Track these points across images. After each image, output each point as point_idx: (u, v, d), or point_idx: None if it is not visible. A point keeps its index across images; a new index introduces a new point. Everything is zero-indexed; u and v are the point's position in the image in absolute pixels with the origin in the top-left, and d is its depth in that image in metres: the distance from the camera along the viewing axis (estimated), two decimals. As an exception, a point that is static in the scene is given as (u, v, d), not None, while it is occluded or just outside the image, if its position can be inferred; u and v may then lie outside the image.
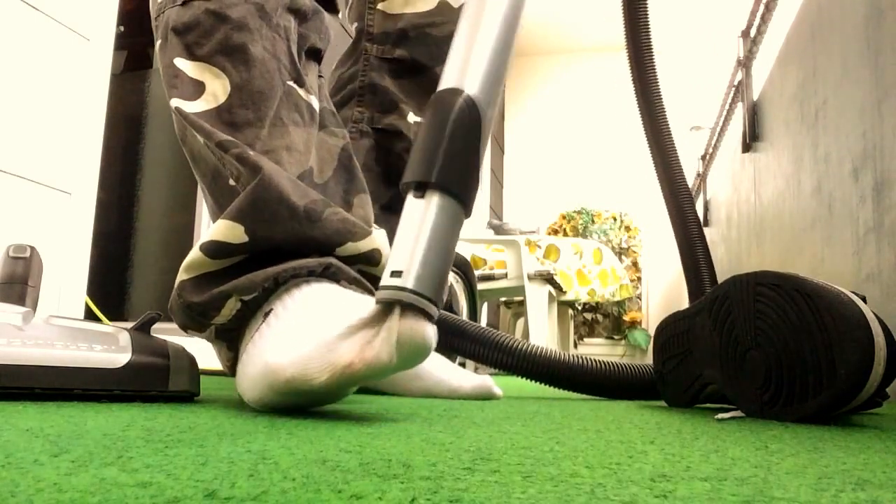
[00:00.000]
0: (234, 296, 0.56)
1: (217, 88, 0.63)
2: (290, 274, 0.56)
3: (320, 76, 0.74)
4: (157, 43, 0.67)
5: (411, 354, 0.41)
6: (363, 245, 0.61)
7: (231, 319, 0.58)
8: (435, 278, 0.40)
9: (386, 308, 0.40)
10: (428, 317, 0.40)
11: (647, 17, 0.90)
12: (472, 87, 0.42)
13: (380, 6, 0.98)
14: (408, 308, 0.39)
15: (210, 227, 0.59)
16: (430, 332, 0.41)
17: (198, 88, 0.63)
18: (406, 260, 0.39)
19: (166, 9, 0.67)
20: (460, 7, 0.98)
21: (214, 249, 0.58)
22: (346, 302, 0.55)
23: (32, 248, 0.91)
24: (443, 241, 0.40)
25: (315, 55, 0.73)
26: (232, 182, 0.61)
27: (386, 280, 0.40)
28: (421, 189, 0.41)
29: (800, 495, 0.23)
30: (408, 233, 0.40)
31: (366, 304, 0.45)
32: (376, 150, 0.97)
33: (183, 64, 0.64)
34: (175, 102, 0.63)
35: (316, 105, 0.69)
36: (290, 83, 0.66)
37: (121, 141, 2.05)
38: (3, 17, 1.20)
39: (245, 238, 0.57)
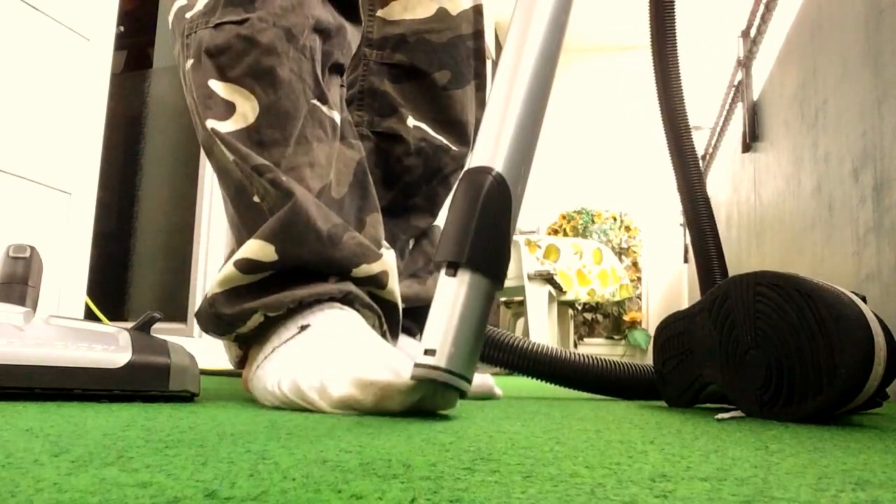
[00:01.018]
0: (260, 312, 0.63)
1: (247, 110, 0.68)
2: (313, 298, 0.63)
3: (342, 86, 0.79)
4: (189, 62, 0.71)
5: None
6: (375, 267, 0.68)
7: (253, 330, 0.64)
8: (467, 356, 0.42)
9: (418, 388, 0.45)
10: (460, 393, 0.43)
11: (673, 15, 0.91)
12: (500, 164, 0.44)
13: (379, 13, 0.99)
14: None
15: (243, 246, 0.65)
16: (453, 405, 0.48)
17: (229, 108, 0.68)
18: (439, 339, 0.42)
19: (198, 29, 0.70)
20: (458, 15, 0.99)
21: (247, 266, 0.64)
22: (370, 335, 0.63)
23: (32, 248, 0.91)
24: (474, 319, 0.42)
25: (338, 69, 0.77)
26: (256, 199, 0.67)
27: (421, 358, 0.42)
28: (453, 268, 0.43)
29: (800, 495, 0.23)
30: (441, 311, 0.42)
31: (381, 343, 0.59)
32: (376, 154, 0.97)
33: (216, 85, 0.68)
34: (210, 123, 0.68)
35: (338, 119, 0.73)
36: (314, 101, 0.70)
37: (121, 141, 2.05)
38: (3, 17, 1.20)
39: (275, 257, 0.64)
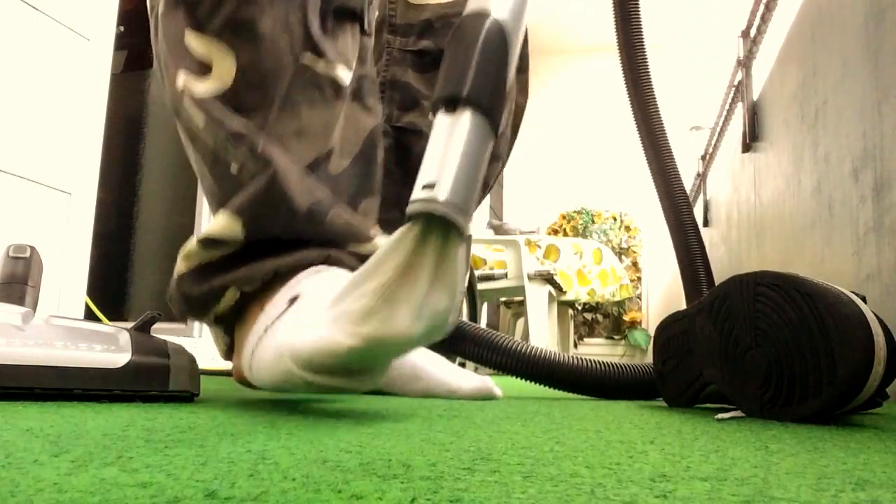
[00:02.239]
0: (232, 287, 0.57)
1: (224, 69, 0.58)
2: (289, 267, 0.56)
3: (365, 33, 0.68)
4: (161, 4, 0.61)
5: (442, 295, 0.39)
6: (363, 249, 0.60)
7: (231, 308, 0.58)
8: (468, 192, 0.38)
9: (413, 227, 0.38)
10: (459, 231, 0.38)
11: (638, 18, 0.90)
12: (497, 10, 0.42)
13: None
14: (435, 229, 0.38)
15: (210, 219, 0.59)
16: (461, 261, 0.39)
17: (205, 68, 0.59)
18: (438, 172, 0.38)
19: None
20: None
21: (210, 242, 0.58)
22: None
23: (32, 248, 0.91)
24: (474, 156, 0.39)
25: (349, 15, 0.65)
26: (233, 169, 0.58)
27: (418, 192, 0.38)
28: (451, 105, 0.40)
29: (800, 495, 0.23)
30: (438, 147, 0.39)
31: None
32: (396, 151, 0.92)
33: (191, 39, 0.59)
34: (182, 79, 0.59)
35: (343, 76, 0.62)
36: (306, 57, 0.60)
37: (121, 141, 2.05)
38: (3, 17, 1.20)
39: (241, 234, 0.57)
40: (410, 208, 0.38)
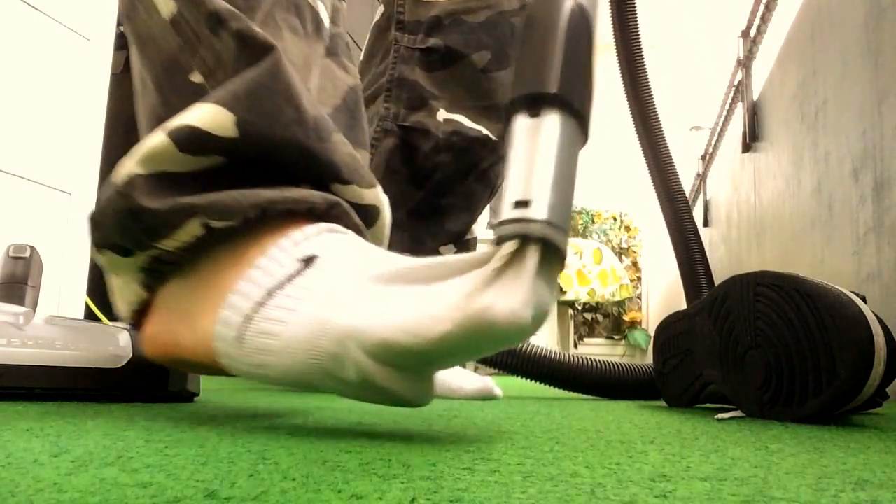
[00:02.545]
0: (200, 216, 0.40)
1: None
2: (284, 206, 0.41)
3: None
4: None
5: (542, 312, 0.33)
6: (367, 195, 0.48)
7: (182, 248, 0.41)
8: (565, 207, 0.33)
9: (510, 247, 0.33)
10: (561, 256, 0.33)
11: (635, 19, 0.90)
12: None
13: None
14: (540, 247, 0.33)
15: (187, 111, 0.41)
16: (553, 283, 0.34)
17: None
18: (532, 187, 0.32)
19: None
20: None
21: (189, 139, 0.41)
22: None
23: (32, 248, 0.91)
24: (568, 166, 0.33)
25: None
26: (197, 78, 0.45)
27: (509, 212, 0.33)
28: (535, 105, 0.34)
29: (800, 495, 0.23)
30: (525, 158, 0.33)
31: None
32: (402, 150, 0.91)
33: None
34: None
35: (324, 15, 0.53)
36: None
37: (121, 141, 2.04)
38: (3, 17, 1.20)
39: (234, 133, 0.41)
40: (503, 230, 0.33)
